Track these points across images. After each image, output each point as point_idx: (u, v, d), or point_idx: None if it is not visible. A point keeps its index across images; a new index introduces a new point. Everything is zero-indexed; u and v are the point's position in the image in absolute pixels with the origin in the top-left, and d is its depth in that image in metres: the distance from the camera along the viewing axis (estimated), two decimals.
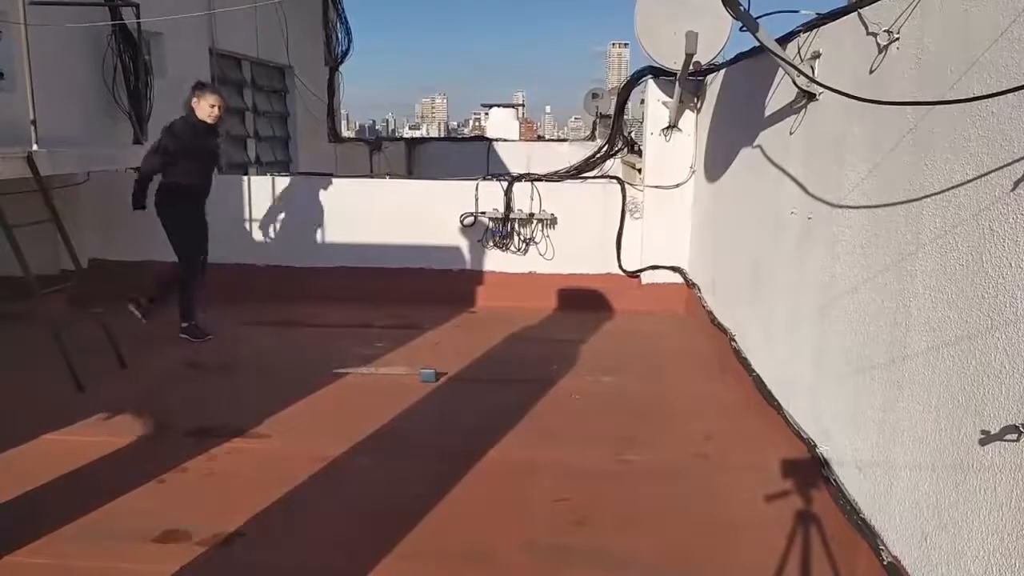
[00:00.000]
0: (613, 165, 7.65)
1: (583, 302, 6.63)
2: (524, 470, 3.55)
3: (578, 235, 6.69)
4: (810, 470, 3.20)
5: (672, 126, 6.26)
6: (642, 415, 4.29)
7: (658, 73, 6.08)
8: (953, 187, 2.22)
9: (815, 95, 3.52)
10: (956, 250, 2.18)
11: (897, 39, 2.66)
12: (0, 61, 5.46)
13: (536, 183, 6.67)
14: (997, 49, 2.03)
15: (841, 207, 3.12)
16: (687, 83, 5.85)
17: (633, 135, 7.55)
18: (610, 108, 10.28)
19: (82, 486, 3.34)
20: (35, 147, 5.10)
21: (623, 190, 6.57)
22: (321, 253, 6.81)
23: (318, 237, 6.83)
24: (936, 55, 2.39)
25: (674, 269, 6.53)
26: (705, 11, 4.85)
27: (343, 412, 4.29)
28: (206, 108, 5.32)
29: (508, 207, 6.62)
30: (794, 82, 3.57)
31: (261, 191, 6.82)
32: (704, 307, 5.66)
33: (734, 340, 4.77)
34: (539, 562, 2.85)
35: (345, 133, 15.26)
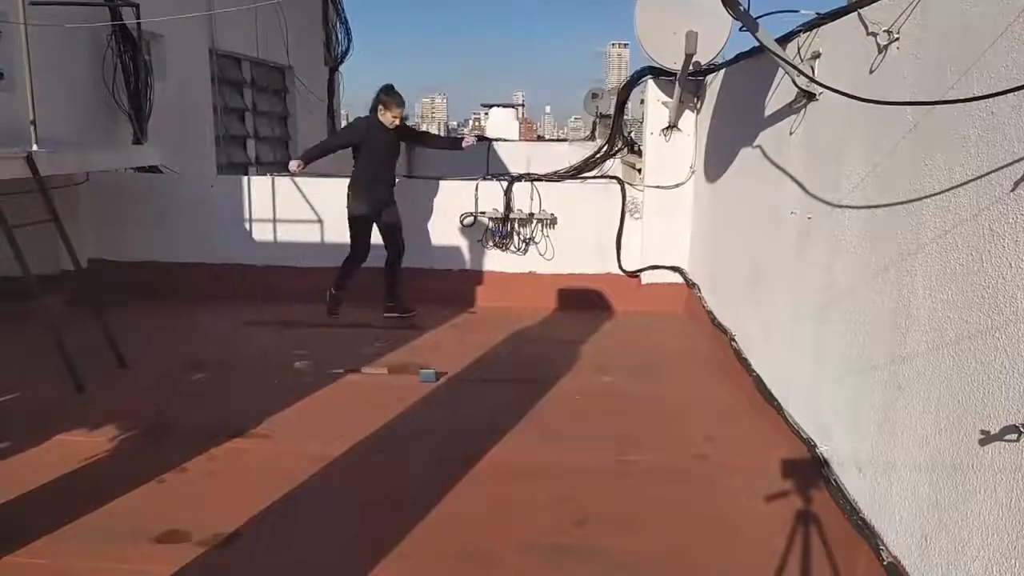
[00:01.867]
0: (613, 165, 7.63)
1: (583, 302, 6.63)
2: (524, 470, 3.55)
3: (578, 235, 6.68)
4: (810, 470, 3.20)
5: (672, 126, 6.26)
6: (642, 415, 4.29)
7: (658, 73, 6.08)
8: (953, 187, 2.22)
9: (815, 95, 3.52)
10: (956, 250, 2.18)
11: (897, 39, 2.66)
12: (0, 61, 5.47)
13: (536, 183, 6.66)
14: (997, 49, 2.03)
15: (841, 207, 3.12)
16: (687, 83, 5.84)
17: (633, 135, 7.54)
18: (610, 108, 10.27)
19: (82, 486, 3.34)
20: (35, 147, 5.10)
21: (623, 190, 6.57)
22: (321, 253, 6.81)
23: (318, 237, 6.82)
24: (936, 55, 2.39)
25: (674, 269, 6.53)
26: (705, 11, 4.84)
27: (343, 412, 4.28)
28: (389, 117, 5.93)
29: (508, 207, 6.61)
30: (794, 82, 3.57)
31: (261, 191, 6.81)
32: (704, 307, 5.66)
33: (734, 340, 4.77)
34: (539, 562, 2.85)
35: None
